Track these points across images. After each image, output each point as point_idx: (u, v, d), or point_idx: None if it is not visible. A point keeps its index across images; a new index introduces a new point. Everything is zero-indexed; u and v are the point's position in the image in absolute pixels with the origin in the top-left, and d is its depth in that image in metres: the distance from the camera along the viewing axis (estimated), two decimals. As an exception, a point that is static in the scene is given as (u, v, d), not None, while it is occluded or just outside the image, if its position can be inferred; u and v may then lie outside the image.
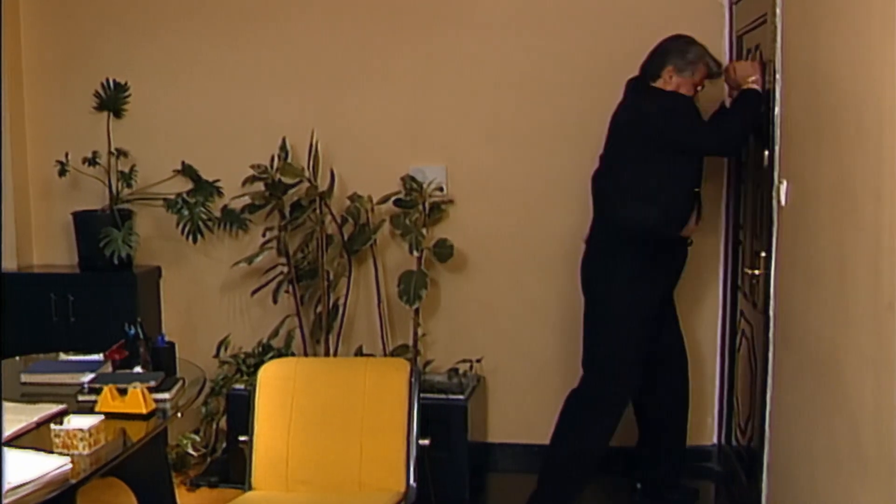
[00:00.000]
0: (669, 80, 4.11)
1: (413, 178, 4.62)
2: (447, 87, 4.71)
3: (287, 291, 4.72)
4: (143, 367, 3.55)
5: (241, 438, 3.60)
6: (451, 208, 4.71)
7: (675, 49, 4.13)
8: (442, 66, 4.73)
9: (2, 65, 4.85)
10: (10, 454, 2.68)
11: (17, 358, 3.95)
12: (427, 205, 4.58)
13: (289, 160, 4.65)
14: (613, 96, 4.14)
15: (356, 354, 4.74)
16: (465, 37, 4.70)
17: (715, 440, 4.73)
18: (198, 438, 4.66)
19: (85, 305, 4.79)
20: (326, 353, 4.71)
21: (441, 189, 4.66)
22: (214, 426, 4.73)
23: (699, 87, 4.17)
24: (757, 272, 3.84)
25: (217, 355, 4.74)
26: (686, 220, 4.10)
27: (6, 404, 3.13)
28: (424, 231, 4.54)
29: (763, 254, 3.69)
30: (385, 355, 4.69)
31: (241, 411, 4.01)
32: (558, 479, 4.13)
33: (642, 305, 4.06)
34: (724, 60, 4.50)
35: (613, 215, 4.09)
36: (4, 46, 4.95)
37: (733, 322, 4.53)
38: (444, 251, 4.56)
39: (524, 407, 4.78)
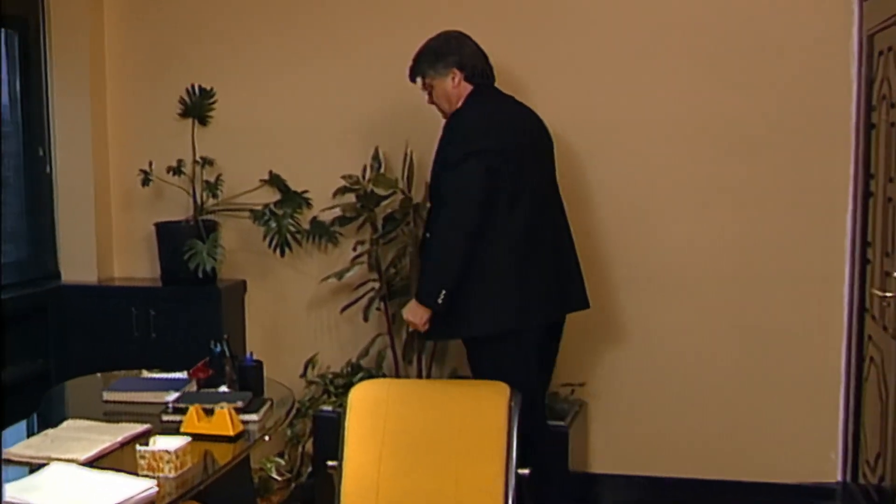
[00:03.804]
0: None
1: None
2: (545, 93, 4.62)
3: (378, 309, 4.68)
4: (228, 387, 3.56)
5: (330, 463, 3.57)
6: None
7: None
8: (541, 69, 4.66)
9: (35, 70, 4.92)
10: (94, 476, 2.70)
11: (98, 375, 4.00)
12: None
13: (382, 171, 4.65)
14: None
15: (450, 377, 4.70)
16: (554, 39, 4.64)
17: (839, 477, 4.56)
18: (282, 462, 4.64)
19: (167, 320, 4.82)
20: (419, 375, 4.67)
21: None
22: (300, 449, 4.70)
23: None
24: (888, 294, 3.71)
25: (304, 375, 4.73)
26: None
27: (88, 423, 3.18)
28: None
29: (896, 274, 3.58)
30: (481, 378, 4.65)
31: (328, 434, 4.02)
32: None
33: None
34: (853, 63, 4.37)
35: None
36: (89, 53, 5.05)
37: (860, 348, 4.37)
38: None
39: (628, 435, 4.70)
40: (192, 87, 4.89)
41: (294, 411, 3.74)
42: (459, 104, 4.00)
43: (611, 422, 4.71)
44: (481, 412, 3.53)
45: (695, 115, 4.53)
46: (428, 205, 4.10)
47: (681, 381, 4.61)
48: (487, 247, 3.77)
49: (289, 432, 4.66)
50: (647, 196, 4.62)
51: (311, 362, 4.76)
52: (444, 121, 4.03)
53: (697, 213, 4.58)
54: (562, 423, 4.37)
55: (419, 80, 4.10)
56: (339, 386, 4.57)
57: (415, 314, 3.83)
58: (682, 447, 4.65)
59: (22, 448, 2.94)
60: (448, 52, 4.02)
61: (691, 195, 4.57)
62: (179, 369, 3.76)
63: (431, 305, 3.77)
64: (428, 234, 3.94)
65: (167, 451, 2.78)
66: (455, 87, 4.00)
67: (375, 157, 4.66)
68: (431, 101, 4.11)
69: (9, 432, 3.24)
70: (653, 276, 4.63)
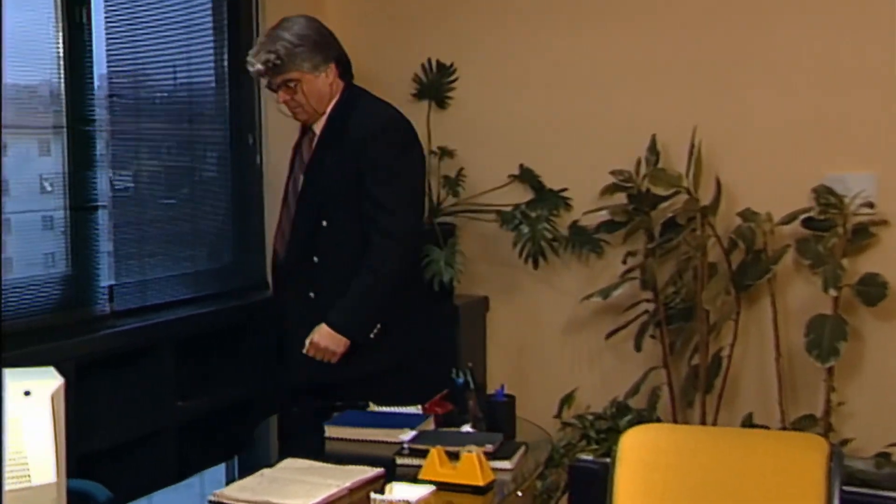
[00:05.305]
0: None
1: (829, 191, 4.33)
2: (875, 68, 4.39)
3: (653, 336, 4.60)
4: (473, 426, 3.45)
5: (594, 526, 3.47)
6: (883, 231, 4.38)
7: None
8: (865, 43, 4.41)
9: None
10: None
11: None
12: (849, 226, 4.31)
13: (659, 165, 4.52)
14: None
15: (743, 424, 4.50)
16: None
17: None
18: (531, 521, 4.59)
19: (394, 342, 4.77)
20: (702, 420, 4.53)
21: (870, 205, 4.36)
22: (553, 505, 4.57)
23: None
24: None
25: (558, 415, 4.68)
26: None
27: (310, 463, 3.13)
28: (845, 262, 4.26)
29: None
30: (783, 428, 4.44)
31: (587, 489, 3.98)
32: None
33: None
34: None
35: None
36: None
37: None
38: (872, 290, 4.24)
39: None
40: (429, 62, 4.96)
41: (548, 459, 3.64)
42: (332, 104, 4.00)
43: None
44: (790, 472, 3.27)
45: None
46: (325, 223, 4.05)
47: None
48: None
49: (539, 484, 4.54)
50: None
51: (567, 400, 4.72)
52: (302, 120, 4.10)
53: None
54: (894, 496, 4.09)
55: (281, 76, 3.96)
56: (602, 430, 4.50)
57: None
58: None
59: (236, 490, 2.85)
60: (327, 44, 3.99)
61: None
62: (411, 402, 3.68)
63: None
64: (316, 259, 4.01)
65: (407, 502, 2.70)
66: (330, 84, 3.98)
67: (652, 148, 4.54)
68: (291, 101, 3.98)
69: (210, 470, 3.28)
70: None
